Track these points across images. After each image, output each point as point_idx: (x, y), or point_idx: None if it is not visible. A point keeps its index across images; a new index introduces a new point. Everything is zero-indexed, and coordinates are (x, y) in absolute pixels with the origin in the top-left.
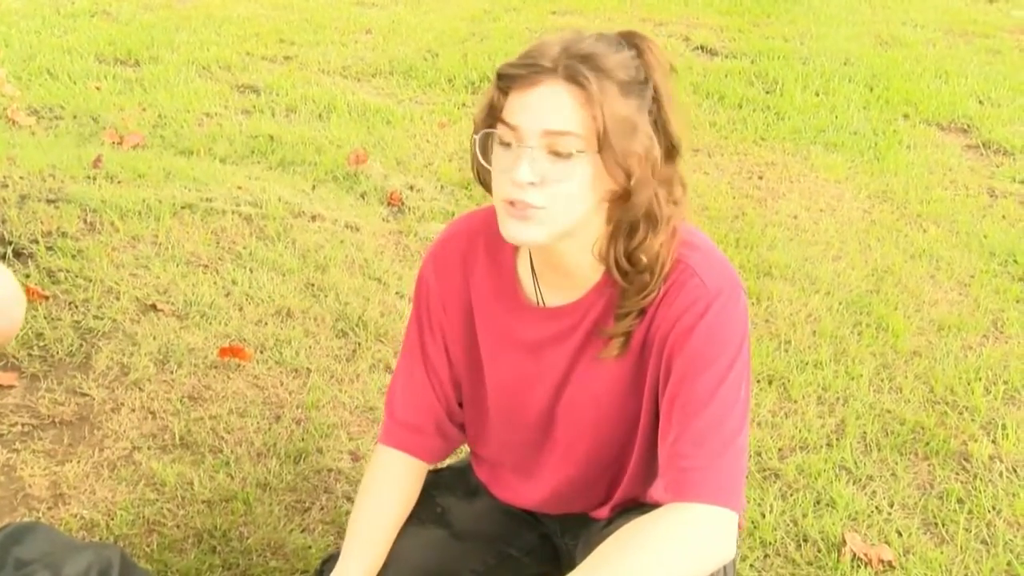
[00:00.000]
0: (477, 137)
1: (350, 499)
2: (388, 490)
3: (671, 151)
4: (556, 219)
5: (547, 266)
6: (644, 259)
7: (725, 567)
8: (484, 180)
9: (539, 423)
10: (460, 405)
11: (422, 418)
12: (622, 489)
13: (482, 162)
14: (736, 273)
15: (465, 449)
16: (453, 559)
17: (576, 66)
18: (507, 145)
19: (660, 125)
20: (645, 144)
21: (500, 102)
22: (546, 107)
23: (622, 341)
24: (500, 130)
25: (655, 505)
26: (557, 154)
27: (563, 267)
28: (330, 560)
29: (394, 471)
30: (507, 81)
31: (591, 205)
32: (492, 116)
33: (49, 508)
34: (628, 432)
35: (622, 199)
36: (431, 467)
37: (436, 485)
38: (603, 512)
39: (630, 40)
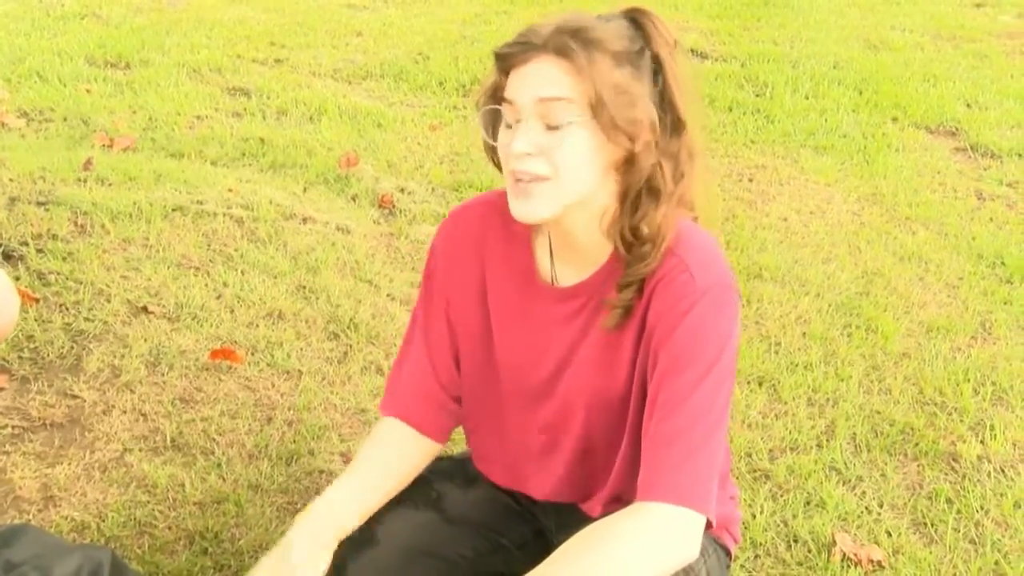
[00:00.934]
0: (479, 114)
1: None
2: (390, 447)
3: (677, 124)
4: (563, 189)
5: (561, 242)
6: (646, 230)
7: (708, 568)
8: (494, 160)
9: (537, 401)
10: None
11: (417, 390)
12: (611, 483)
13: (487, 138)
14: (731, 275)
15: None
16: (443, 542)
17: (565, 39)
18: (509, 125)
19: (665, 97)
20: (646, 110)
21: (502, 82)
22: (538, 79)
23: (620, 313)
24: (504, 110)
25: None
26: (552, 124)
27: (575, 244)
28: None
29: (396, 434)
30: (503, 60)
31: (596, 174)
32: (495, 96)
33: (39, 510)
34: (618, 422)
35: (627, 165)
36: (432, 448)
37: (435, 472)
38: (595, 508)
39: (631, 15)
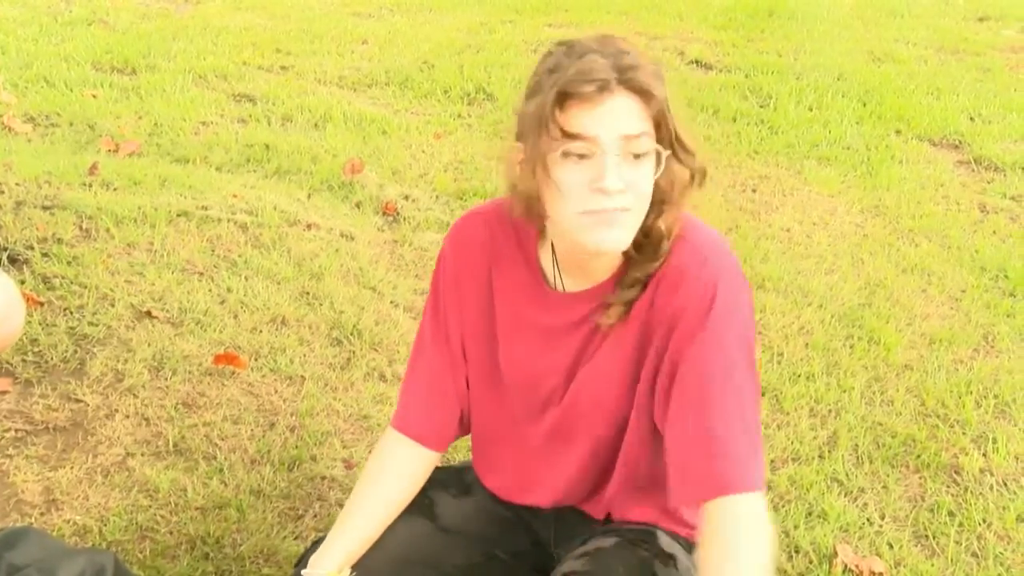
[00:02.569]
0: (555, 155)
1: (343, 506)
2: (389, 474)
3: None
4: (637, 218)
5: (571, 257)
6: (661, 228)
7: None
8: (530, 199)
9: (546, 406)
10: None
11: (432, 403)
12: (617, 480)
13: (538, 180)
14: (736, 258)
15: (465, 448)
16: (435, 551)
17: (634, 75)
18: (581, 158)
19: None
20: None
21: (558, 119)
22: (619, 116)
23: (622, 310)
24: (573, 145)
25: (650, 520)
26: (634, 157)
27: (589, 260)
28: (316, 544)
29: (399, 456)
30: (575, 99)
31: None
32: (549, 133)
33: (42, 514)
34: (621, 425)
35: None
36: (435, 459)
37: (430, 480)
38: (598, 509)
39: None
